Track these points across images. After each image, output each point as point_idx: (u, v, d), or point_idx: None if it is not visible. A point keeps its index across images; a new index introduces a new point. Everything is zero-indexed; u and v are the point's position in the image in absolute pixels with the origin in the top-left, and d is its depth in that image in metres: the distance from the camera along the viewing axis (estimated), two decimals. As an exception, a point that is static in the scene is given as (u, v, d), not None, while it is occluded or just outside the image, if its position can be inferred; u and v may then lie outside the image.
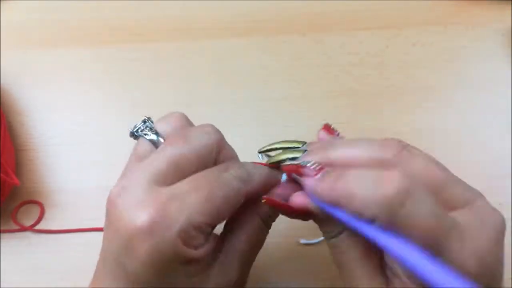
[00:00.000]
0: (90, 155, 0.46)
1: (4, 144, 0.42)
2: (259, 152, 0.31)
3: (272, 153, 0.30)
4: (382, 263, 0.25)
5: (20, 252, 0.42)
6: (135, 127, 0.28)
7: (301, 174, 0.26)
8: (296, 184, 0.27)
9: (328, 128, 0.29)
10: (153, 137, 0.27)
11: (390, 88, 0.50)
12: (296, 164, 0.26)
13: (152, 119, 0.29)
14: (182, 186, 0.24)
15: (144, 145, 0.27)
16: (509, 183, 0.43)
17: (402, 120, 0.47)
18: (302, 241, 0.41)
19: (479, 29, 0.53)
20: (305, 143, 0.29)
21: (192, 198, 0.23)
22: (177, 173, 0.24)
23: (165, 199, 0.23)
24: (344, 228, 0.25)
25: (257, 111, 0.48)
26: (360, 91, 0.49)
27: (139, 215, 0.22)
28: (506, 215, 0.24)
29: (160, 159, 0.25)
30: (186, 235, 0.23)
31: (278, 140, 0.30)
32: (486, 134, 0.46)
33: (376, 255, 0.25)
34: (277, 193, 0.28)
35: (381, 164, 0.23)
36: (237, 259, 0.27)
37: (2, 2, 0.55)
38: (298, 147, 0.28)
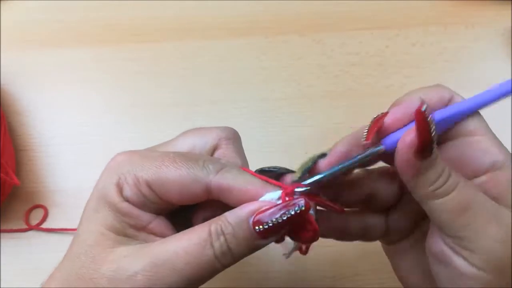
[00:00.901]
0: (90, 155, 0.46)
1: (4, 144, 0.42)
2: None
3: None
4: None
5: (20, 252, 0.42)
6: None
7: (378, 124, 0.25)
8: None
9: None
10: None
11: (390, 88, 0.50)
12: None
13: None
14: (158, 152, 0.26)
15: None
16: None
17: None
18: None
19: (479, 29, 0.53)
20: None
21: (151, 159, 0.25)
22: None
23: (138, 154, 0.26)
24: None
25: (257, 111, 0.48)
26: (360, 91, 0.49)
27: (116, 156, 0.26)
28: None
29: (169, 144, 0.28)
30: (122, 179, 0.24)
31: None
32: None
33: None
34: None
35: None
36: (157, 254, 0.23)
37: (2, 2, 0.55)
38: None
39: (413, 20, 0.54)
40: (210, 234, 0.23)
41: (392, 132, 0.25)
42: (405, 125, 0.25)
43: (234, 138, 0.28)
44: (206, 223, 0.24)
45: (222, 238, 0.23)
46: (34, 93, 0.50)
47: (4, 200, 0.43)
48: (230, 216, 0.23)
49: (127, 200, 0.24)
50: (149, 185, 0.24)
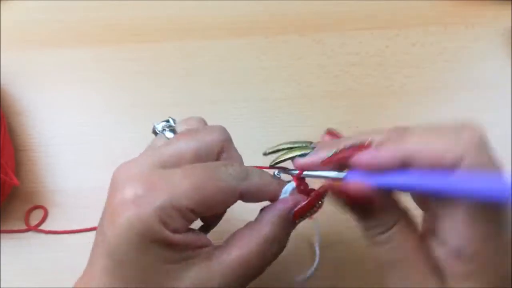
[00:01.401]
0: (90, 155, 0.46)
1: (4, 145, 0.42)
2: (265, 154, 0.29)
3: (278, 153, 0.29)
4: (433, 261, 0.24)
5: (20, 252, 0.42)
6: (156, 124, 0.30)
7: (346, 154, 0.25)
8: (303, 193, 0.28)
9: (331, 133, 0.29)
10: (170, 135, 0.29)
11: (390, 88, 0.50)
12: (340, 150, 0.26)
13: (176, 120, 0.31)
14: (177, 170, 0.25)
15: (160, 141, 0.29)
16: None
17: (402, 120, 0.47)
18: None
19: (479, 29, 0.53)
20: (312, 142, 0.28)
21: (181, 182, 0.24)
22: (178, 163, 0.26)
23: (157, 177, 0.24)
24: (398, 217, 0.25)
25: (257, 111, 0.48)
26: (360, 91, 0.49)
27: (128, 186, 0.24)
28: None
29: (165, 149, 0.26)
30: (164, 214, 0.23)
31: (281, 142, 0.29)
32: (485, 134, 0.46)
33: (428, 252, 0.24)
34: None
35: None
36: (225, 268, 0.25)
37: (2, 2, 0.55)
38: (306, 146, 0.28)
39: (413, 20, 0.54)
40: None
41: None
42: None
43: (230, 138, 0.29)
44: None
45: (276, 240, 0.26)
46: (34, 93, 0.50)
47: (4, 200, 0.43)
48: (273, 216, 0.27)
49: (176, 232, 0.24)
50: (192, 211, 0.24)
